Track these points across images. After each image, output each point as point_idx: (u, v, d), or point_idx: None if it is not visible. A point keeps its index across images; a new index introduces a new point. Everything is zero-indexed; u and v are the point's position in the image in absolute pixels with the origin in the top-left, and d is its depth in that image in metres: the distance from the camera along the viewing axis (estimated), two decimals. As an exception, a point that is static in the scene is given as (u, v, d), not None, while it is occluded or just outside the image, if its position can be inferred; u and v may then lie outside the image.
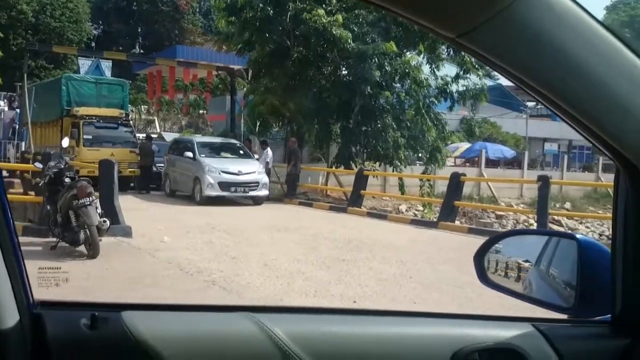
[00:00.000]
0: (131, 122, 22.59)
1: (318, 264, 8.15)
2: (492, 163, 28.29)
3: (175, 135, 27.12)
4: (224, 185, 15.30)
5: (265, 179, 16.08)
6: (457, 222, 13.74)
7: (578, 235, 1.41)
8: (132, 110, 30.23)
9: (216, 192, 15.24)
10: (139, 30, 53.68)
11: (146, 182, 18.26)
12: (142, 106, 38.40)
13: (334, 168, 19.05)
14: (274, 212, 14.44)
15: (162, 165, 18.31)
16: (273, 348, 1.11)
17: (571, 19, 0.97)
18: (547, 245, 1.61)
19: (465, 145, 28.42)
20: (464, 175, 14.66)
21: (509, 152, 30.05)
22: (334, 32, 16.97)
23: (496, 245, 1.77)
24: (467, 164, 27.54)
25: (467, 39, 0.96)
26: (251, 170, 15.83)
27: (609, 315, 1.28)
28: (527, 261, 1.70)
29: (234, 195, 15.57)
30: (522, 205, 19.96)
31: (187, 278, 7.13)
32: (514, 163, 30.43)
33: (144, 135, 24.02)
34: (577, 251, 1.38)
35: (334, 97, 18.41)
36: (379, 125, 18.61)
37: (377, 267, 8.22)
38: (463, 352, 1.17)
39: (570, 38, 0.98)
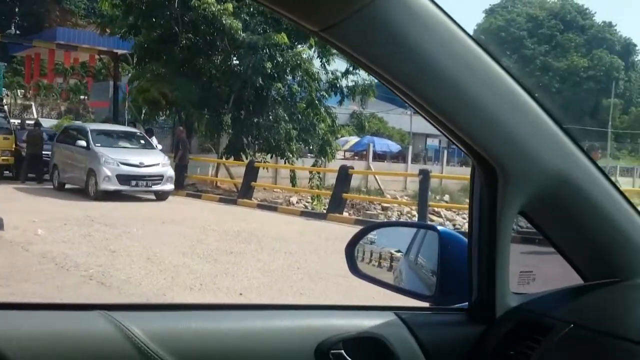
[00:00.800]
0: (6, 107, 21.03)
1: (205, 257, 8.02)
2: (379, 157, 29.20)
3: (54, 121, 25.54)
4: (123, 179, 13.84)
5: (170, 171, 14.79)
6: (345, 214, 14.06)
7: (439, 227, 1.48)
8: (7, 95, 28.20)
9: (114, 185, 13.80)
10: (16, 10, 49.83)
11: (33, 171, 17.04)
12: (19, 90, 35.85)
13: (224, 159, 18.81)
14: (159, 204, 14.02)
15: (47, 153, 16.79)
16: (130, 347, 1.06)
17: (429, 21, 1.01)
18: (415, 237, 1.67)
19: (354, 139, 29.15)
20: (352, 168, 15.03)
21: (394, 147, 31.21)
22: (224, 21, 16.71)
23: (371, 236, 1.82)
24: (356, 158, 28.25)
25: (329, 33, 0.98)
26: (154, 162, 14.50)
27: (467, 303, 1.34)
28: (399, 251, 1.76)
29: (135, 189, 14.23)
30: (405, 198, 20.76)
31: (62, 273, 6.73)
32: (399, 157, 31.60)
33: (19, 120, 22.48)
34: (438, 242, 1.45)
35: (224, 86, 18.16)
36: (271, 117, 18.62)
37: (266, 259, 8.22)
38: (327, 342, 1.18)
39: (428, 39, 1.01)
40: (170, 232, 9.90)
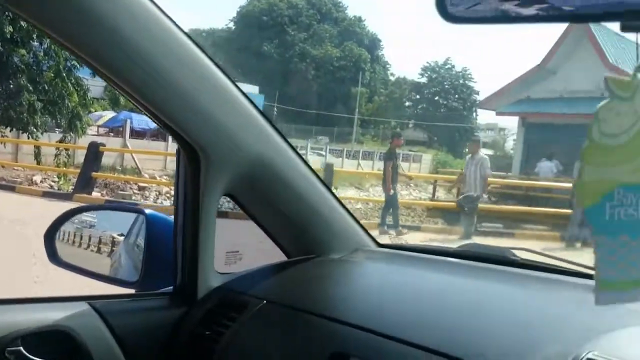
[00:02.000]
0: None
1: None
2: (137, 134, 28.08)
3: None
4: None
5: None
6: (96, 194, 13.29)
7: (147, 211, 1.42)
8: None
9: None
10: None
11: None
12: None
13: (-51, 132, 16.34)
14: None
15: None
16: None
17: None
18: (136, 220, 1.59)
19: (109, 114, 27.62)
20: (103, 145, 14.29)
21: (153, 124, 30.24)
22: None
23: (90, 219, 1.69)
24: (112, 134, 26.80)
25: (16, 3, 0.92)
26: None
27: (172, 287, 1.31)
28: (122, 235, 1.66)
29: None
30: (165, 177, 20.32)
31: None
32: (159, 135, 30.78)
33: None
34: (145, 225, 1.39)
35: (-48, 49, 15.74)
36: (12, 86, 16.71)
37: (-5, 245, 7.35)
38: (3, 340, 1.06)
39: (123, 19, 0.99)
40: None
